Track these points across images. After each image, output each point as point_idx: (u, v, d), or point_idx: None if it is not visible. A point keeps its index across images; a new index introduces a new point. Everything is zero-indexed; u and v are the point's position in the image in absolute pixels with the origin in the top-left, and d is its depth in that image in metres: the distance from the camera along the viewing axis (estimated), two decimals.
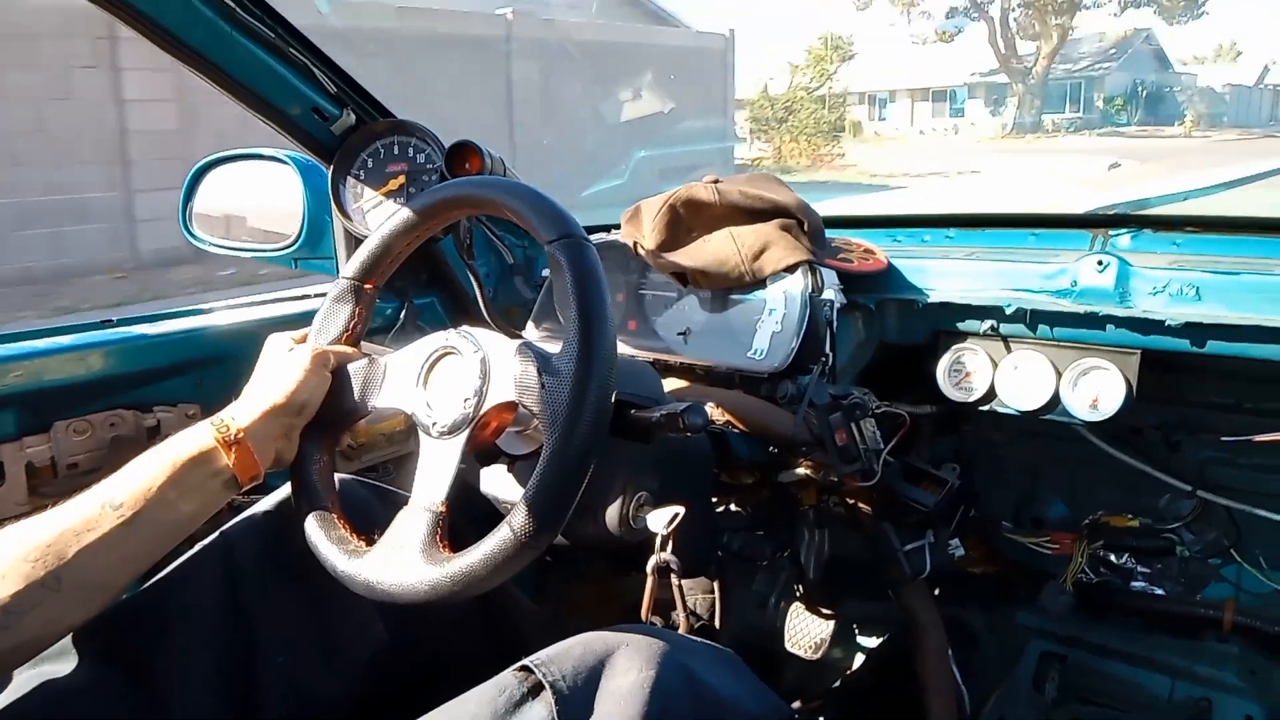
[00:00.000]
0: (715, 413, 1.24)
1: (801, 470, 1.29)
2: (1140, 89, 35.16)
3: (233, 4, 1.16)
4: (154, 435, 1.18)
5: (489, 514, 1.08)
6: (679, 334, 1.36)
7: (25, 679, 0.86)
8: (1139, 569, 1.50)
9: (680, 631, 1.08)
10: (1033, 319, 1.28)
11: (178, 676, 0.90)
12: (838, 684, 1.65)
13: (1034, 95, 32.85)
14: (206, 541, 0.98)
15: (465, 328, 0.96)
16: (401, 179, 1.31)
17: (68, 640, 0.89)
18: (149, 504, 0.85)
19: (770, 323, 1.28)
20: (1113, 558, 1.50)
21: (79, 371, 1.16)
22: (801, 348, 1.26)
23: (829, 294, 1.29)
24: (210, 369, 1.26)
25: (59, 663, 0.87)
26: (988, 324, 1.31)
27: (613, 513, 1.02)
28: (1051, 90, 34.55)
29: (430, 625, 1.05)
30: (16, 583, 0.78)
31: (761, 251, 1.28)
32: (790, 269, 1.28)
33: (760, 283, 1.30)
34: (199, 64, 1.21)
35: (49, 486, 1.11)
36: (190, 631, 0.93)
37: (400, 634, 1.04)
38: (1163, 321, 1.18)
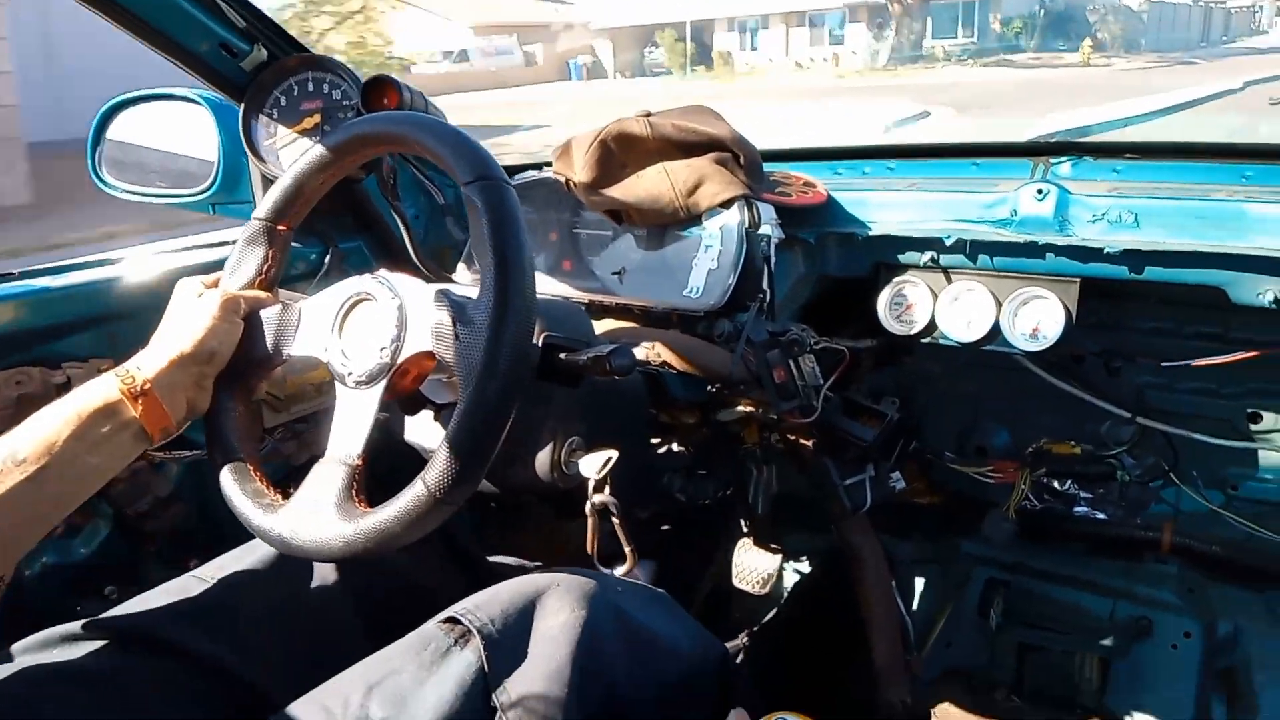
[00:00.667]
0: (650, 353, 1.21)
1: (741, 408, 1.27)
2: (1040, 8, 29.93)
3: None
4: (63, 392, 1.09)
5: (417, 463, 1.05)
6: (614, 273, 1.33)
7: (26, 661, 0.84)
8: (1081, 495, 1.52)
9: (627, 568, 1.07)
10: (973, 249, 1.26)
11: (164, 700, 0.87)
12: (783, 617, 1.66)
13: (914, 18, 28.56)
14: (206, 578, 0.95)
15: (382, 272, 0.92)
16: (317, 117, 1.25)
17: (75, 626, 0.87)
18: (54, 459, 0.81)
19: (706, 260, 1.25)
20: (1055, 484, 1.52)
21: None
22: (738, 285, 1.23)
23: (766, 229, 1.26)
24: (123, 322, 1.21)
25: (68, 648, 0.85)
26: (928, 255, 1.29)
27: (543, 459, 1.00)
28: (940, 11, 29.80)
29: (401, 587, 1.02)
30: None
31: (696, 186, 1.25)
32: (726, 204, 1.25)
33: (695, 219, 1.26)
34: (102, 3, 1.13)
35: None
36: (184, 662, 0.88)
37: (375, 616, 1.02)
38: (1101, 249, 1.17)
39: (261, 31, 1.27)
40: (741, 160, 1.27)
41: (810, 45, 32.92)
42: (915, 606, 1.61)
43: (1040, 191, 1.23)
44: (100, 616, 0.89)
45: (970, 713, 1.44)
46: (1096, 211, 1.20)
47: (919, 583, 1.63)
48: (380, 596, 1.00)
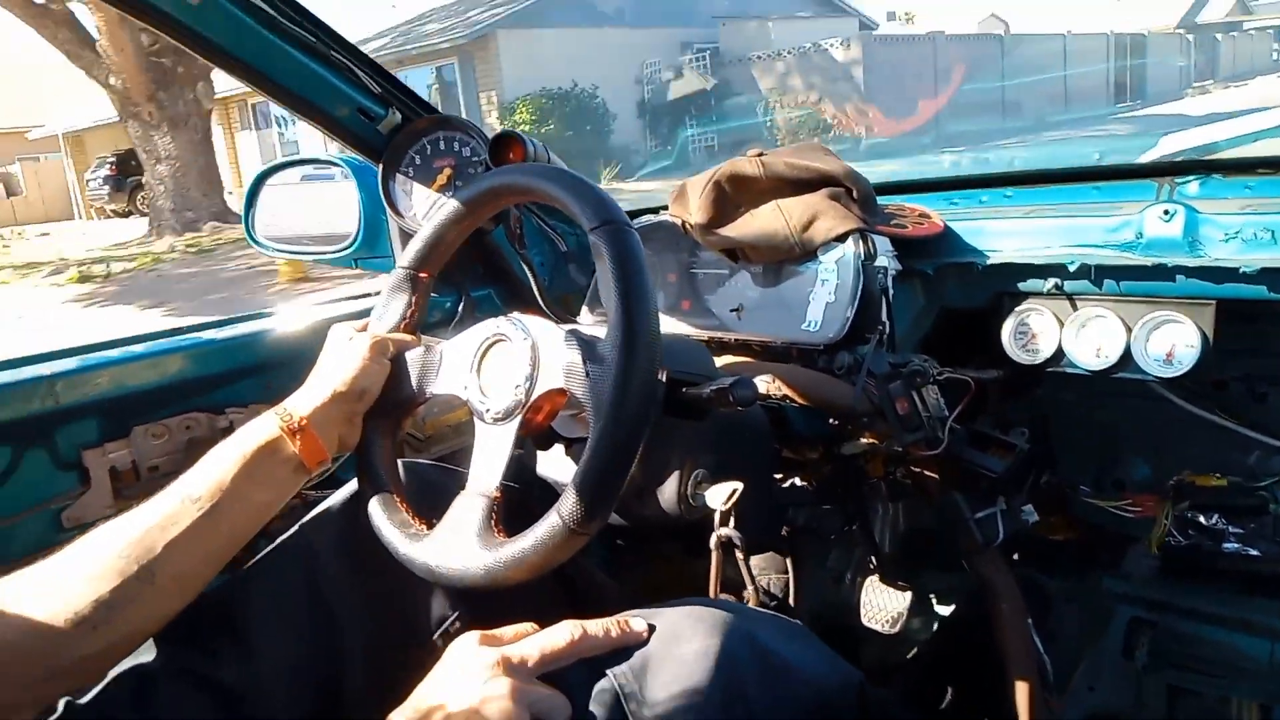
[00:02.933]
0: (771, 387, 1.23)
1: (865, 441, 1.27)
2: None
3: (274, 13, 1.19)
4: (227, 435, 1.21)
5: (551, 497, 1.09)
6: (732, 310, 1.36)
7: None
8: (1230, 529, 1.44)
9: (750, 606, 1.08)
10: (1098, 274, 1.23)
11: (259, 665, 0.93)
12: (916, 656, 1.62)
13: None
14: (286, 535, 1.02)
15: (515, 314, 0.97)
16: (449, 172, 1.33)
17: None
18: (225, 495, 0.89)
19: (823, 294, 1.26)
20: (1201, 519, 1.44)
21: (155, 377, 1.21)
22: (857, 317, 1.24)
23: (882, 261, 1.27)
24: (278, 370, 1.30)
25: (143, 654, 0.91)
26: (1051, 282, 1.27)
27: (669, 491, 1.03)
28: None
29: (510, 610, 1.06)
30: (112, 579, 0.82)
31: (810, 222, 1.27)
32: (841, 238, 1.26)
33: (811, 254, 1.28)
34: (248, 74, 1.24)
35: (131, 489, 1.16)
36: (271, 621, 0.96)
37: (482, 618, 1.06)
38: (1237, 269, 1.13)
39: (395, 96, 1.37)
40: (855, 194, 1.29)
41: (262, 158, 20.12)
42: (1055, 646, 1.55)
43: (1167, 212, 1.20)
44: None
45: None
46: (1229, 230, 1.16)
47: (1058, 621, 1.57)
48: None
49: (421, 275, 1.06)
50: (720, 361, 1.33)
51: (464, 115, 1.41)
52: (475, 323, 1.01)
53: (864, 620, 1.58)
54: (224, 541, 0.90)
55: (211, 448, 0.94)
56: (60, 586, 0.82)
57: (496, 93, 17.72)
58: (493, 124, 16.39)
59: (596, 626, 0.84)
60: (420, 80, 18.42)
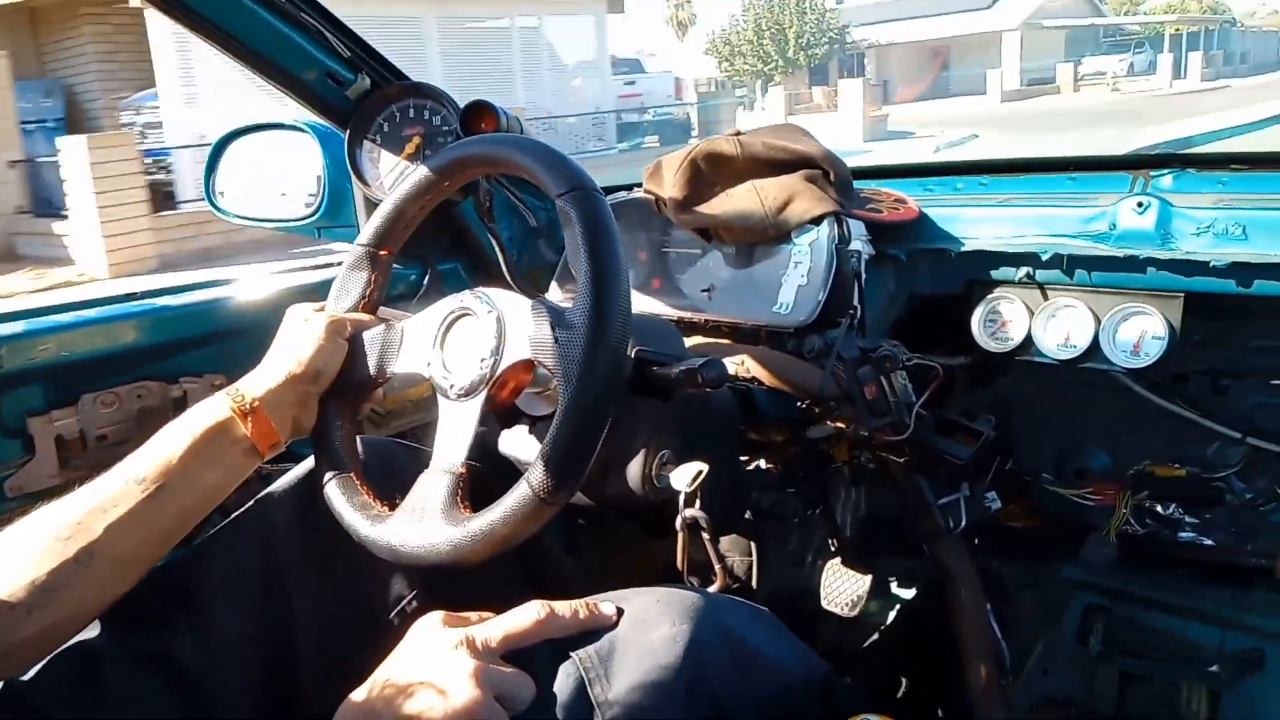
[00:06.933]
0: (740, 369, 1.22)
1: (832, 425, 1.27)
2: None
3: None
4: (180, 406, 1.18)
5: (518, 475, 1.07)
6: (703, 291, 1.34)
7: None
8: (1187, 519, 1.46)
9: (717, 587, 1.07)
10: (1070, 264, 1.24)
11: (212, 643, 0.91)
12: (875, 641, 1.63)
13: None
14: (241, 511, 0.99)
15: (481, 288, 0.95)
16: (417, 141, 1.29)
17: None
18: (172, 476, 0.86)
19: (795, 276, 1.25)
20: (1159, 508, 1.46)
21: (105, 344, 1.17)
22: (828, 301, 1.23)
23: (856, 245, 1.26)
24: (235, 339, 1.27)
25: (91, 629, 0.88)
26: (1023, 271, 1.27)
27: (634, 471, 1.01)
28: None
29: (469, 589, 1.04)
30: (50, 561, 0.80)
31: (786, 203, 1.25)
32: (816, 220, 1.25)
33: (785, 236, 1.27)
34: (214, 34, 1.20)
35: (79, 459, 1.12)
36: (225, 598, 0.93)
37: (440, 598, 1.04)
38: (1207, 263, 1.13)
39: (365, 60, 1.33)
40: (832, 177, 1.28)
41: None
42: (1012, 632, 1.56)
43: (1140, 204, 1.20)
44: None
45: None
46: (1201, 224, 1.16)
47: (1015, 607, 1.59)
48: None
49: (381, 253, 1.03)
50: (690, 342, 1.32)
51: None
52: (440, 296, 0.98)
53: (824, 604, 1.59)
54: (170, 524, 0.88)
55: (163, 417, 0.93)
56: None
57: None
58: None
59: (564, 608, 0.82)
60: None
